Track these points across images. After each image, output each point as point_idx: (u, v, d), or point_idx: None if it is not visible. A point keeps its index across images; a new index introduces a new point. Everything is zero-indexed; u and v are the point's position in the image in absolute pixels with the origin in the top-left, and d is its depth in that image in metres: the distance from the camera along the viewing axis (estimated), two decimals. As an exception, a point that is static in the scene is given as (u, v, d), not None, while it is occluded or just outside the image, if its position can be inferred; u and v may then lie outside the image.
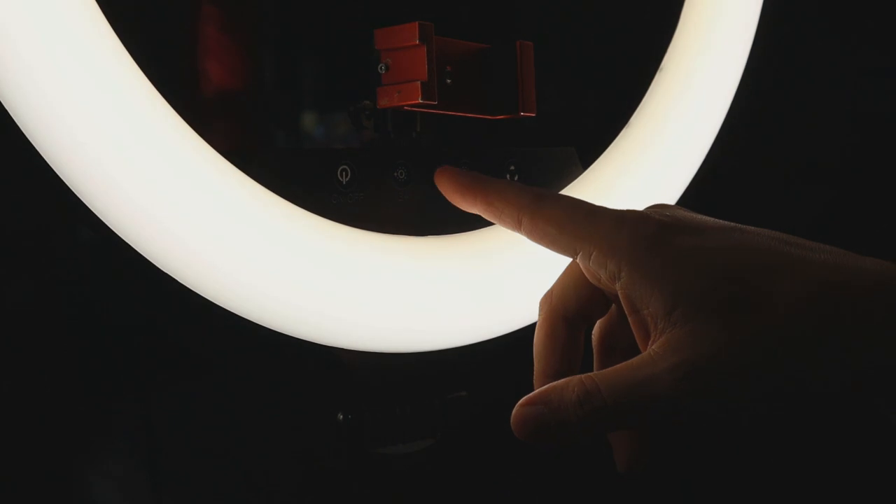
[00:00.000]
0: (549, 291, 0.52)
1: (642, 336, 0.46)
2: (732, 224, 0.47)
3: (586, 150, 0.69)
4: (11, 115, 0.47)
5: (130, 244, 0.50)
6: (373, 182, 0.59)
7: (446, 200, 0.58)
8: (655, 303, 0.44)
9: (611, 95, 0.76)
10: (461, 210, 0.57)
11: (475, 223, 0.59)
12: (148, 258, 0.51)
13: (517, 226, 0.52)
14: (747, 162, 0.88)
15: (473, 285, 0.59)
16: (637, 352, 0.46)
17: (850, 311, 0.42)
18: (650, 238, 0.46)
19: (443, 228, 0.60)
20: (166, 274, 0.51)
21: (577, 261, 0.49)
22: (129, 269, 0.53)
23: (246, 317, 0.53)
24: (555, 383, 0.45)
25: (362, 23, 0.60)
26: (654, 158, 0.68)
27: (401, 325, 0.57)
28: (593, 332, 0.52)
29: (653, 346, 0.44)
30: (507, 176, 0.65)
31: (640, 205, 0.67)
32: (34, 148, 0.48)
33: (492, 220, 0.55)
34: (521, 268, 0.60)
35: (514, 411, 0.46)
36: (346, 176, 0.58)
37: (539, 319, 0.52)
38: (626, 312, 0.46)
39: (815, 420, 0.41)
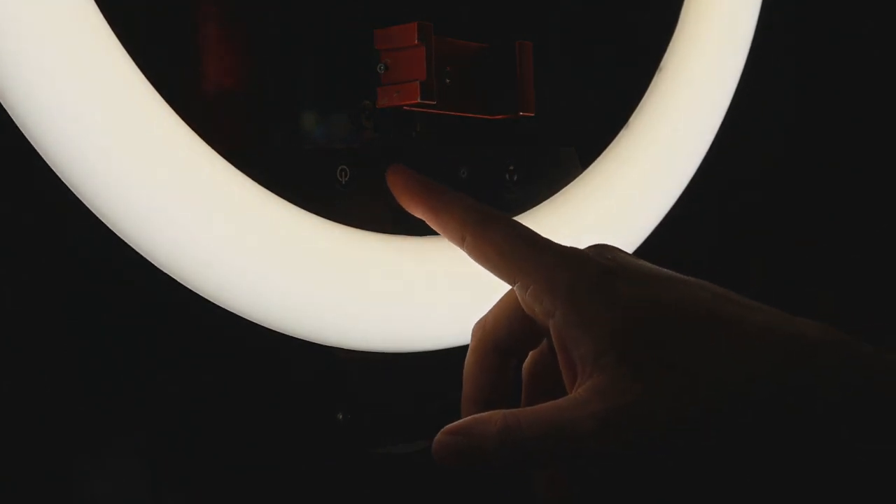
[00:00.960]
0: (482, 318, 0.52)
1: (569, 376, 0.46)
2: (673, 274, 0.47)
3: (586, 150, 0.69)
4: (11, 115, 0.47)
5: (130, 244, 0.50)
6: (372, 182, 0.59)
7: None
8: (585, 346, 0.44)
9: (610, 95, 0.76)
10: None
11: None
12: (147, 258, 0.51)
13: (460, 242, 0.52)
14: (747, 162, 0.88)
15: (473, 285, 0.59)
16: (564, 389, 0.46)
17: (775, 375, 0.42)
18: (589, 281, 0.46)
19: (442, 228, 0.60)
20: (166, 274, 0.51)
21: (515, 290, 0.49)
22: (128, 269, 0.53)
23: (245, 316, 0.53)
24: (479, 415, 0.46)
25: (362, 23, 0.60)
26: (653, 158, 0.68)
27: (401, 324, 0.57)
28: (524, 364, 0.52)
29: (578, 390, 0.44)
30: (507, 176, 0.65)
31: (639, 207, 0.67)
32: (33, 148, 0.48)
33: (435, 230, 0.54)
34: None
35: (436, 437, 0.46)
36: (346, 176, 0.58)
37: (471, 345, 0.52)
38: (556, 350, 0.46)
39: (758, 466, 0.42)
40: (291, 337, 0.55)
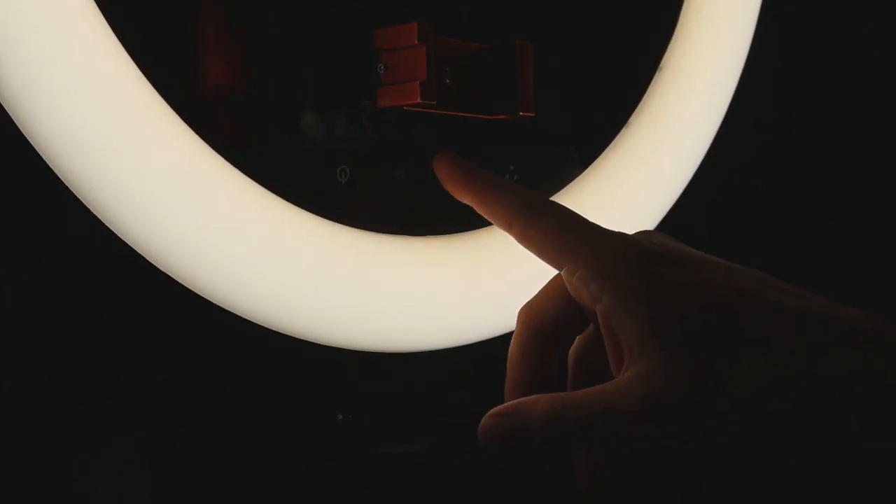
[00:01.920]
0: (528, 303, 0.52)
1: (616, 360, 0.46)
2: (717, 259, 0.47)
3: (586, 150, 0.69)
4: (10, 114, 0.47)
5: (129, 244, 0.50)
6: (372, 182, 0.59)
7: (446, 200, 0.58)
8: (632, 330, 0.44)
9: (610, 95, 0.76)
10: (461, 210, 0.57)
11: (476, 223, 0.59)
12: (147, 258, 0.51)
13: (508, 227, 0.52)
14: (747, 162, 0.88)
15: (474, 285, 0.59)
16: (611, 374, 0.46)
17: (817, 362, 0.42)
18: (636, 264, 0.46)
19: (443, 228, 0.60)
20: (165, 274, 0.51)
21: (562, 275, 0.49)
22: (128, 269, 0.53)
23: (245, 317, 0.53)
24: (525, 399, 0.46)
25: (362, 23, 0.60)
26: (653, 158, 0.68)
27: (401, 324, 0.57)
28: (570, 350, 0.52)
29: (625, 374, 0.44)
30: (507, 176, 0.65)
31: (639, 207, 0.67)
32: (33, 148, 0.48)
33: (483, 216, 0.54)
34: (522, 267, 0.60)
35: (482, 420, 0.46)
36: (346, 176, 0.58)
37: (516, 330, 0.52)
38: (603, 334, 0.46)
39: (785, 457, 0.42)
40: (291, 337, 0.55)
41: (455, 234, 0.60)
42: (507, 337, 0.62)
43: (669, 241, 0.49)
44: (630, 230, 0.66)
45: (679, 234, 0.71)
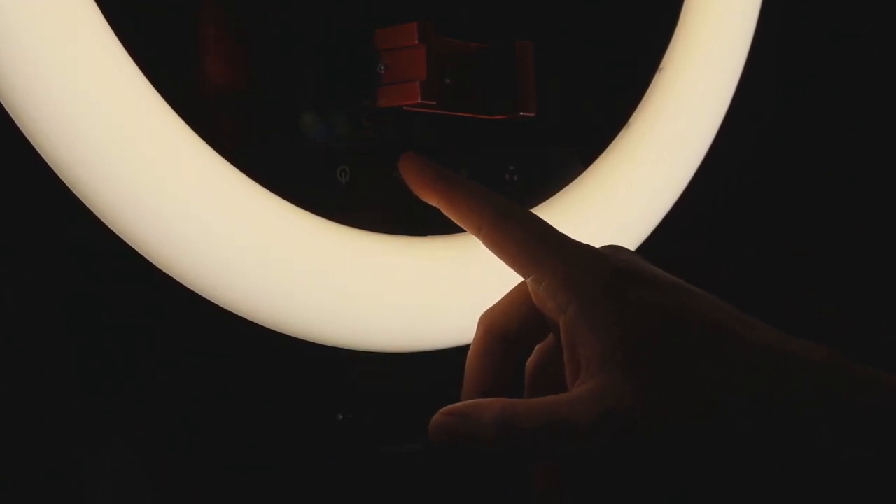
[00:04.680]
0: (490, 309, 0.52)
1: (572, 372, 0.46)
2: (683, 284, 0.47)
3: (586, 150, 0.69)
4: (10, 114, 0.47)
5: (129, 244, 0.50)
6: (372, 182, 0.59)
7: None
8: (593, 346, 0.44)
9: (611, 95, 0.76)
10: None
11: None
12: (147, 258, 0.51)
13: (477, 232, 0.51)
14: (747, 162, 0.88)
15: (474, 285, 0.59)
16: (566, 386, 0.46)
17: (774, 393, 0.42)
18: (604, 281, 0.46)
19: (443, 228, 0.60)
20: (165, 274, 0.51)
21: (528, 283, 0.49)
22: (128, 269, 0.53)
23: (245, 316, 0.53)
24: (478, 400, 0.46)
25: (363, 23, 0.60)
26: (653, 158, 0.68)
27: (400, 324, 0.57)
28: (529, 359, 0.52)
29: (580, 387, 0.44)
30: (507, 176, 0.65)
31: (639, 207, 0.67)
32: (34, 148, 0.48)
33: (451, 218, 0.54)
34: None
35: (434, 416, 0.46)
36: (346, 176, 0.58)
37: (476, 335, 0.52)
38: (563, 346, 0.46)
39: (748, 479, 0.42)
40: (291, 337, 0.55)
41: (455, 234, 0.60)
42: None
43: (636, 259, 0.49)
44: (630, 230, 0.67)
45: (679, 234, 0.71)
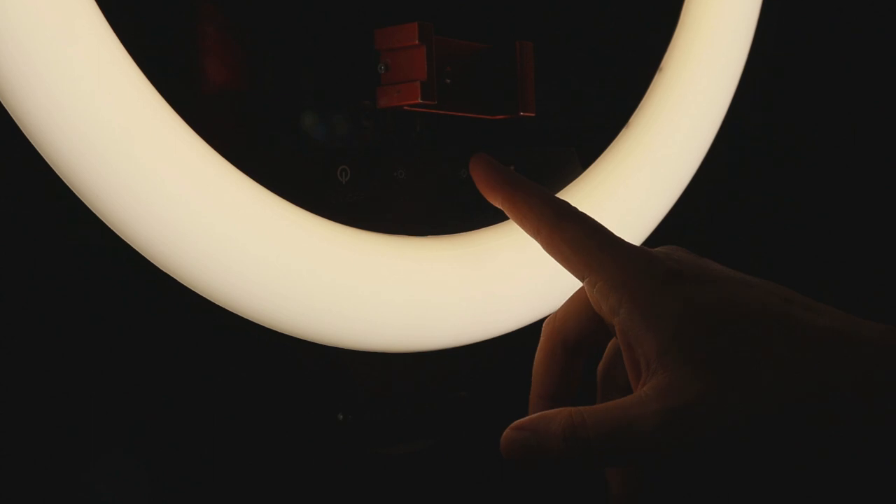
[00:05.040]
0: (553, 314, 0.52)
1: (634, 374, 0.46)
2: (738, 276, 0.48)
3: (586, 150, 0.69)
4: (11, 114, 0.47)
5: (130, 244, 0.50)
6: (372, 182, 0.59)
7: (446, 200, 0.58)
8: (649, 344, 0.45)
9: (610, 95, 0.76)
10: (461, 210, 0.57)
11: (476, 223, 0.59)
12: (147, 258, 0.51)
13: (535, 234, 0.52)
14: (747, 162, 0.88)
15: (473, 285, 0.59)
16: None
17: (836, 381, 0.42)
18: (655, 281, 0.46)
19: (443, 228, 0.60)
20: (166, 274, 0.51)
21: (584, 286, 0.49)
22: (128, 269, 0.53)
23: (245, 316, 0.53)
24: (546, 412, 0.46)
25: (362, 23, 0.60)
26: (653, 158, 0.68)
27: (401, 324, 0.57)
28: (599, 364, 0.52)
29: (643, 388, 0.44)
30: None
31: (639, 207, 0.67)
32: (34, 148, 0.48)
33: (513, 220, 0.55)
34: (522, 268, 0.60)
35: (504, 433, 0.47)
36: (346, 176, 0.58)
37: (540, 341, 0.52)
38: (622, 348, 0.47)
39: (811, 479, 0.42)
40: (292, 337, 0.55)
41: (455, 234, 0.60)
42: (507, 337, 0.62)
43: (691, 258, 0.49)
44: (630, 231, 0.67)
45: (680, 234, 0.71)
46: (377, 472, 0.64)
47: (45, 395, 0.56)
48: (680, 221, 0.71)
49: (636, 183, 0.67)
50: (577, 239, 0.50)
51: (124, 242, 0.50)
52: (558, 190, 0.65)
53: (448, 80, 0.60)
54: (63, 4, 0.47)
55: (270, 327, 0.54)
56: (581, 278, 0.49)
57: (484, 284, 0.59)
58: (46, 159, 0.48)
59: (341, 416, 0.61)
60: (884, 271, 0.93)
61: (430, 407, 0.65)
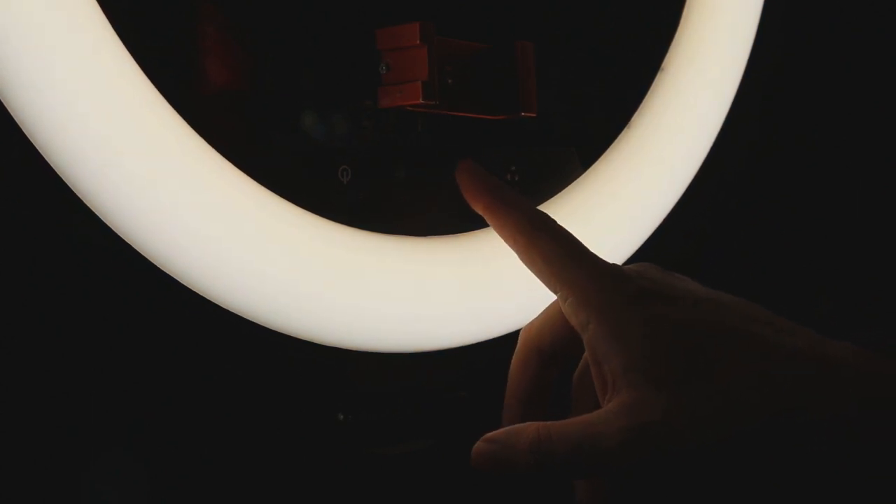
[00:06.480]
0: (530, 322, 0.53)
1: (602, 390, 0.46)
2: (709, 294, 0.48)
3: (586, 150, 0.69)
4: (11, 114, 0.47)
5: (130, 244, 0.50)
6: (373, 182, 0.58)
7: (446, 201, 0.58)
8: (615, 361, 0.45)
9: (611, 95, 0.76)
10: (461, 210, 0.57)
11: (475, 224, 0.59)
12: (147, 257, 0.51)
13: (512, 244, 0.53)
14: (748, 162, 0.88)
15: (474, 285, 0.59)
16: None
17: (801, 400, 0.42)
18: (624, 298, 0.47)
19: (443, 229, 0.60)
20: (166, 273, 0.51)
21: (557, 299, 0.50)
22: (128, 269, 0.53)
23: (245, 316, 0.53)
24: (515, 426, 0.47)
25: (363, 23, 0.60)
26: (654, 159, 0.68)
27: (401, 324, 0.57)
28: (574, 374, 0.53)
29: (608, 404, 0.45)
30: (508, 177, 0.65)
31: (640, 208, 0.67)
32: (34, 147, 0.48)
33: (493, 228, 0.55)
34: (522, 268, 0.60)
35: (476, 444, 0.48)
36: (346, 176, 0.58)
37: (517, 347, 0.53)
38: (590, 363, 0.47)
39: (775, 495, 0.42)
40: (292, 337, 0.55)
41: (455, 234, 0.60)
42: (506, 337, 0.62)
43: (662, 275, 0.50)
44: (631, 231, 0.67)
45: (680, 234, 0.71)
46: (377, 472, 0.64)
47: (44, 393, 0.56)
48: (681, 222, 0.71)
49: (637, 184, 0.67)
50: (550, 252, 0.50)
51: (124, 242, 0.50)
52: (559, 191, 0.65)
53: (449, 81, 0.60)
54: (64, 4, 0.47)
55: (270, 327, 0.54)
56: (554, 291, 0.50)
57: (484, 285, 0.59)
58: (45, 158, 0.48)
59: (341, 417, 0.61)
60: (884, 271, 0.93)
61: (429, 407, 0.65)
